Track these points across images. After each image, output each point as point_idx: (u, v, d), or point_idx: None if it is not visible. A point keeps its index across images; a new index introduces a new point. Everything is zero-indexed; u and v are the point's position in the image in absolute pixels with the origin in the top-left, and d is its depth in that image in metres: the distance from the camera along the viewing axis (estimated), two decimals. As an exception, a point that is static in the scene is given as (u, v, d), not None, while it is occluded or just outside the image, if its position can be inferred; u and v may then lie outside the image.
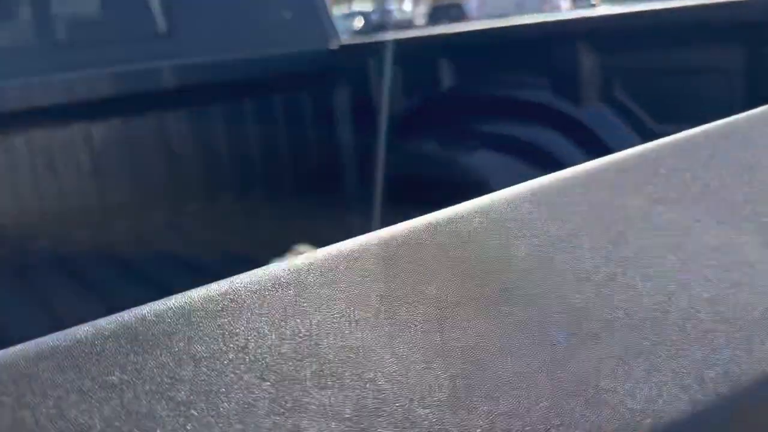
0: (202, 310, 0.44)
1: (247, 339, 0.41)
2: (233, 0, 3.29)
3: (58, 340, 0.40)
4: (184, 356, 0.39)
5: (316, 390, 0.37)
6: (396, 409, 0.37)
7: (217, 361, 0.39)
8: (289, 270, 0.48)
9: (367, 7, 20.04)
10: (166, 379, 0.37)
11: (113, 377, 0.38)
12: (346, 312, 0.42)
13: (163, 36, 3.04)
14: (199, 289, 0.45)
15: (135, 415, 0.35)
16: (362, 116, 3.49)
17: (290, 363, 0.38)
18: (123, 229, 2.95)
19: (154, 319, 0.42)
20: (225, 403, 0.36)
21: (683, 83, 2.35)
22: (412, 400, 0.37)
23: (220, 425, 0.35)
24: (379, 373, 0.38)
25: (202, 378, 0.37)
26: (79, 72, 2.79)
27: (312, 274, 0.47)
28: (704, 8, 2.25)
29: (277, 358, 0.38)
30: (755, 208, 0.57)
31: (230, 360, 0.39)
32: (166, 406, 0.36)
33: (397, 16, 19.89)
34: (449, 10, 19.16)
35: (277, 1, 3.39)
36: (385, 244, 0.50)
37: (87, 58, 2.82)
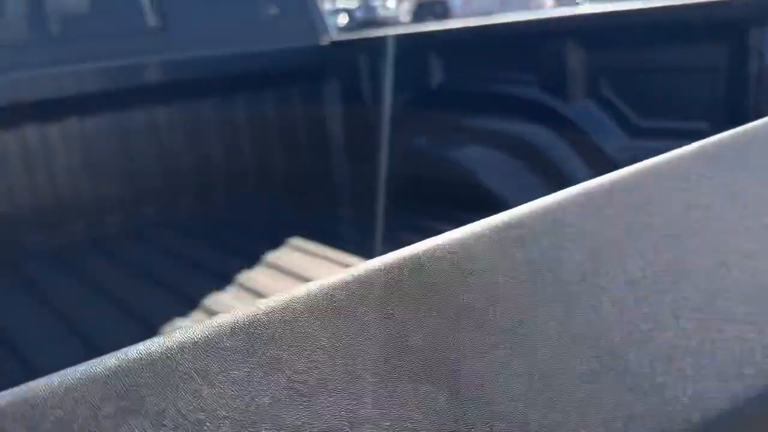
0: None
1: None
2: (224, -4, 3.31)
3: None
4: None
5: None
6: (476, 411, 0.40)
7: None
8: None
9: (352, 4, 19.98)
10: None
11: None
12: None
13: (155, 31, 3.06)
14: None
15: None
16: (353, 112, 3.52)
17: None
18: (115, 224, 2.97)
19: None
20: None
21: (668, 81, 2.41)
22: (492, 400, 0.40)
23: None
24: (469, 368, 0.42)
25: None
26: (72, 66, 2.80)
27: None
28: (688, 7, 2.31)
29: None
30: None
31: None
32: None
33: (381, 12, 19.86)
34: (434, 7, 19.17)
35: (268, -2, 3.41)
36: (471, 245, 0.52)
37: (79, 53, 2.83)
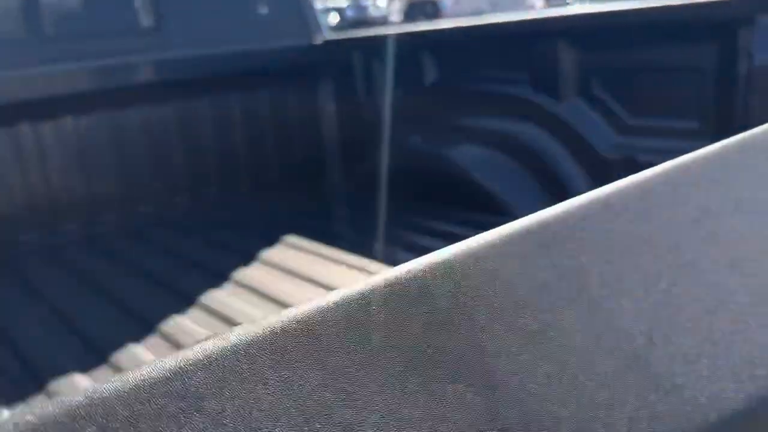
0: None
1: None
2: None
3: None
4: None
5: None
6: (511, 411, 0.42)
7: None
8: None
9: (342, 3, 19.96)
10: None
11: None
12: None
13: (149, 30, 3.07)
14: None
15: None
16: (346, 110, 3.54)
17: None
18: (110, 221, 2.98)
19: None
20: None
21: (658, 80, 2.45)
22: (525, 401, 0.42)
23: None
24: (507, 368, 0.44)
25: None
26: (66, 65, 2.80)
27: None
28: (678, 8, 2.34)
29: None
30: None
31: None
32: None
33: (372, 12, 19.86)
34: (425, 6, 19.19)
35: (262, -3, 3.43)
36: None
37: (74, 52, 2.84)
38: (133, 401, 0.37)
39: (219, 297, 2.24)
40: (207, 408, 0.37)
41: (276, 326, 0.42)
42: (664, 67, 2.43)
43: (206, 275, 2.43)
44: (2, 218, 2.72)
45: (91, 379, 1.78)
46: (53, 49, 2.79)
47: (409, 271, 0.47)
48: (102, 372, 1.81)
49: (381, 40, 3.29)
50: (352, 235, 2.86)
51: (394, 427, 0.39)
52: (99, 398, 0.38)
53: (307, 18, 3.50)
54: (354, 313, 0.43)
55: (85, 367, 1.83)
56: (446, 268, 0.47)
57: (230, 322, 2.03)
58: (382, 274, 0.47)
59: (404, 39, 3.23)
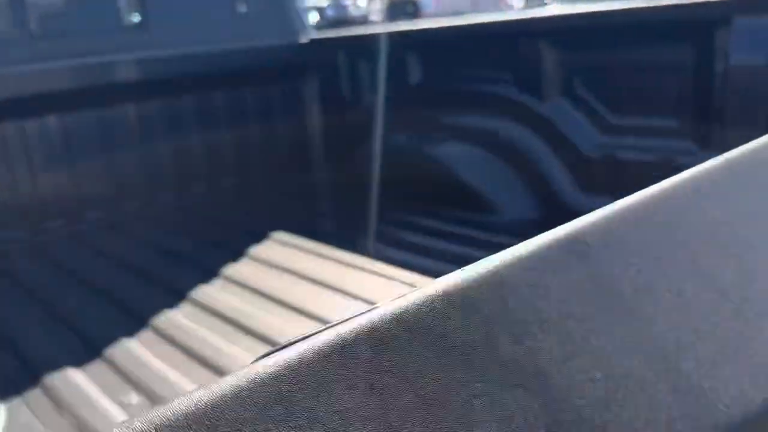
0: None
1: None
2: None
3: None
4: None
5: None
6: (565, 416, 0.44)
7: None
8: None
9: (322, 2, 19.93)
10: None
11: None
12: None
13: (136, 28, 3.07)
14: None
15: None
16: (331, 108, 3.57)
17: None
18: (97, 218, 2.98)
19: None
20: None
21: (638, 80, 2.51)
22: (577, 405, 0.45)
23: None
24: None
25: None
26: (52, 63, 2.80)
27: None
28: (657, 9, 2.41)
29: None
30: None
31: None
32: None
33: (352, 11, 19.86)
34: (405, 6, 19.24)
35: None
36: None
37: (60, 50, 2.84)
38: (237, 405, 0.39)
39: (209, 292, 2.26)
40: (304, 409, 0.39)
41: (352, 332, 0.43)
42: (644, 66, 2.49)
43: (195, 271, 2.44)
44: None
45: (85, 373, 1.79)
46: (39, 48, 2.78)
47: (463, 280, 0.48)
48: (96, 367, 1.83)
49: (366, 39, 3.32)
50: (337, 231, 2.90)
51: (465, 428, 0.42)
52: (207, 402, 0.38)
53: (292, 17, 3.53)
54: (419, 320, 0.45)
55: (79, 362, 1.84)
56: (495, 276, 0.49)
57: (222, 317, 2.06)
58: (439, 281, 0.48)
59: (390, 38, 3.26)
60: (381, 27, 3.69)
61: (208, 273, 2.42)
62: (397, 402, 0.41)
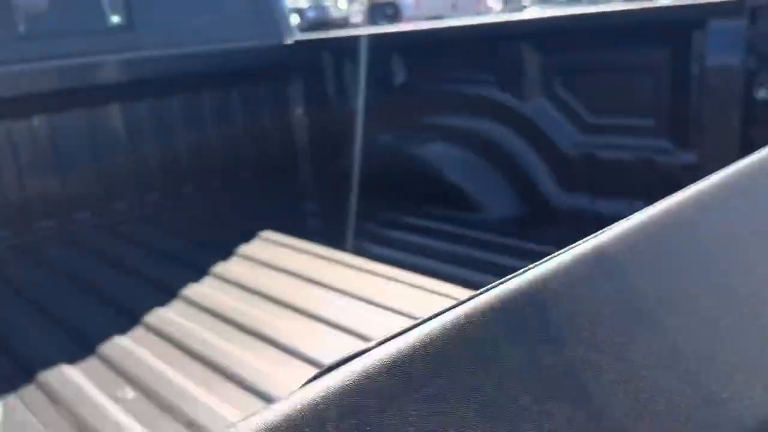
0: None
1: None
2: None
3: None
4: None
5: None
6: (607, 425, 0.46)
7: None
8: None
9: (303, 4, 19.92)
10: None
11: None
12: None
13: (122, 29, 3.09)
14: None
15: None
16: (317, 109, 3.61)
17: None
18: (84, 218, 2.99)
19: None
20: None
21: (617, 81, 2.58)
22: (616, 417, 0.47)
23: None
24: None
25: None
26: (39, 64, 2.81)
27: None
28: (635, 12, 2.48)
29: None
30: None
31: None
32: None
33: (333, 13, 19.89)
34: (385, 8, 19.32)
35: (233, -2, 3.48)
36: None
37: (47, 51, 2.85)
38: (344, 405, 0.39)
39: (200, 290, 2.29)
40: (372, 424, 0.40)
41: (402, 352, 0.44)
42: (622, 68, 2.56)
43: (186, 269, 2.47)
44: None
45: (79, 370, 1.82)
46: (26, 48, 2.79)
47: (504, 293, 0.49)
48: (90, 363, 1.85)
49: (351, 40, 3.37)
50: (325, 229, 2.94)
51: None
52: (313, 398, 0.39)
53: (277, 18, 3.56)
54: (468, 333, 0.46)
55: (73, 359, 1.87)
56: (533, 288, 0.50)
57: (213, 314, 2.09)
58: (483, 295, 0.49)
59: (374, 40, 3.31)
60: (365, 29, 3.73)
61: (199, 271, 2.44)
62: (455, 416, 0.41)
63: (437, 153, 3.08)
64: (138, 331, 2.02)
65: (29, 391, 1.74)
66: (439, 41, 3.12)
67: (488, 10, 18.80)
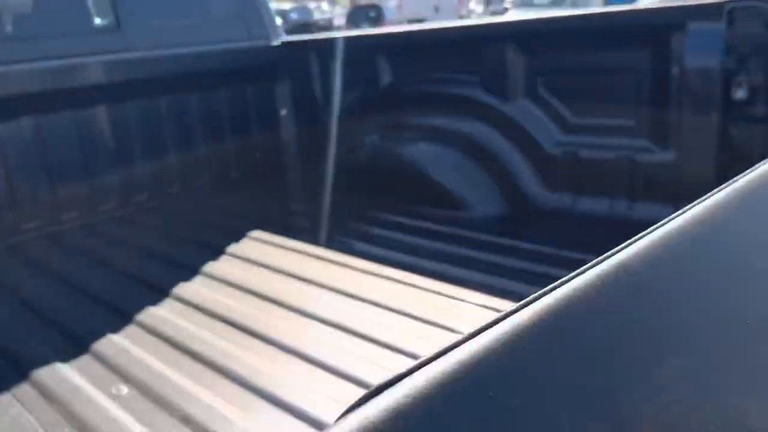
0: None
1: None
2: (177, -3, 3.37)
3: None
4: None
5: None
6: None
7: None
8: None
9: (286, 6, 19.92)
10: None
11: None
12: None
13: (110, 30, 3.10)
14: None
15: None
16: (304, 109, 3.64)
17: None
18: (72, 219, 3.00)
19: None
20: None
21: (597, 81, 2.63)
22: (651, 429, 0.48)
23: None
24: None
25: None
26: (27, 65, 2.82)
27: None
28: (616, 14, 2.53)
29: None
30: None
31: None
32: None
33: (316, 15, 19.92)
34: (368, 11, 19.37)
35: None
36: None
37: (35, 52, 2.85)
38: (414, 408, 0.40)
39: (191, 288, 2.31)
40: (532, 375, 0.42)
41: (448, 374, 0.44)
42: (604, 69, 2.61)
43: (176, 269, 2.49)
44: None
45: (73, 368, 1.83)
46: (13, 49, 2.80)
47: (535, 311, 0.49)
48: (83, 361, 1.87)
49: (337, 42, 3.40)
50: (312, 228, 2.97)
51: None
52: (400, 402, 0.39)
53: (264, 20, 3.59)
54: (507, 353, 0.46)
55: (66, 357, 1.88)
56: (563, 303, 0.50)
57: (205, 312, 2.12)
58: (520, 311, 0.49)
59: (360, 42, 3.34)
60: (353, 31, 3.77)
61: (188, 270, 2.47)
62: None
63: (422, 153, 3.12)
64: (130, 329, 2.04)
65: (22, 389, 1.75)
66: (425, 43, 3.17)
67: (470, 13, 18.91)
